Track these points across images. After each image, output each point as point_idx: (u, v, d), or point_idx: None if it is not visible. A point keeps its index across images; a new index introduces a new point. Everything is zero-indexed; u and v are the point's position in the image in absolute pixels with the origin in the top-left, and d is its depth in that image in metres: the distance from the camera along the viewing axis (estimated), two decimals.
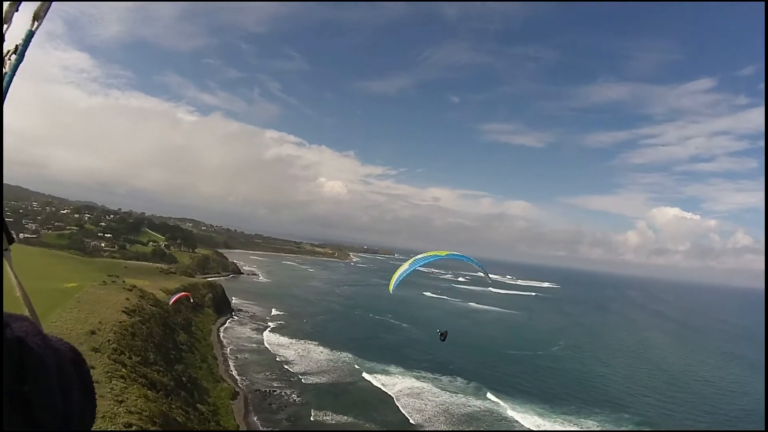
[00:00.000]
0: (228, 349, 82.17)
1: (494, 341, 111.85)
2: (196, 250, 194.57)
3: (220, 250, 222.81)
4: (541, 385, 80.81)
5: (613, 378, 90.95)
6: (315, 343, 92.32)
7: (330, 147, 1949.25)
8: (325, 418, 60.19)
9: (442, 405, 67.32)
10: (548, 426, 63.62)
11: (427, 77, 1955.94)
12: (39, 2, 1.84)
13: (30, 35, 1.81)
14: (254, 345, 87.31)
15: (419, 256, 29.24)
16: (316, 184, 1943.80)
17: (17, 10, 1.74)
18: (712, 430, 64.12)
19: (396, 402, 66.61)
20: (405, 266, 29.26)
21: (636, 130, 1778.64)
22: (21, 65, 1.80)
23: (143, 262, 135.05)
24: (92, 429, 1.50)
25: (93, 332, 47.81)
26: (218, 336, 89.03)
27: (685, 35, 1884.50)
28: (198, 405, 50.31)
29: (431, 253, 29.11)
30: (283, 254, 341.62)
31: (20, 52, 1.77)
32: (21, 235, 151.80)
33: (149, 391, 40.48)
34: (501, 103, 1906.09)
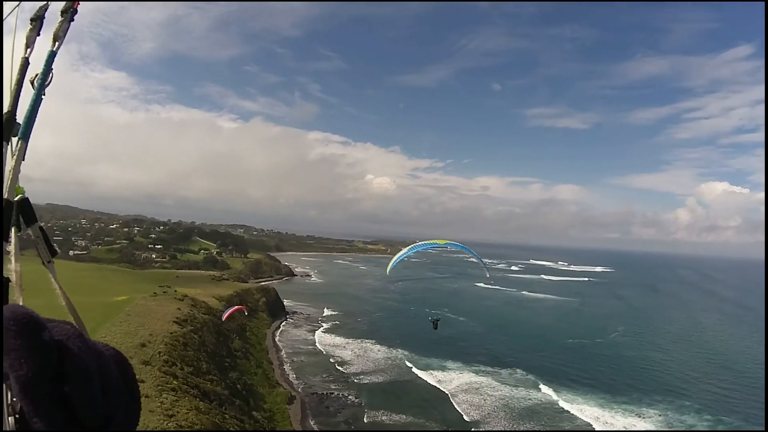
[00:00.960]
0: (283, 353, 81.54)
1: (552, 330, 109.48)
2: (248, 255, 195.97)
3: (272, 254, 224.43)
4: (600, 374, 78.56)
5: (672, 364, 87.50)
6: (371, 341, 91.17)
7: (375, 143, 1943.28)
8: (383, 418, 59.05)
9: (502, 399, 65.89)
10: (608, 417, 61.66)
11: (465, 66, 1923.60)
12: (57, 24, 1.92)
13: (51, 55, 1.88)
14: (310, 347, 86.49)
15: (419, 243, 31.76)
16: (363, 182, 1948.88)
17: (39, 35, 1.89)
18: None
19: (454, 399, 65.28)
20: (404, 250, 32.17)
21: (678, 105, 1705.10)
22: (50, 86, 1.87)
23: (195, 271, 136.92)
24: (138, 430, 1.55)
25: (143, 345, 47.25)
26: (273, 340, 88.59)
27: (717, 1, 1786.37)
28: (253, 412, 49.22)
29: (432, 241, 32.06)
30: (335, 253, 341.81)
31: (43, 71, 1.84)
32: (71, 252, 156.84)
33: (201, 402, 39.43)
34: (542, 86, 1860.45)
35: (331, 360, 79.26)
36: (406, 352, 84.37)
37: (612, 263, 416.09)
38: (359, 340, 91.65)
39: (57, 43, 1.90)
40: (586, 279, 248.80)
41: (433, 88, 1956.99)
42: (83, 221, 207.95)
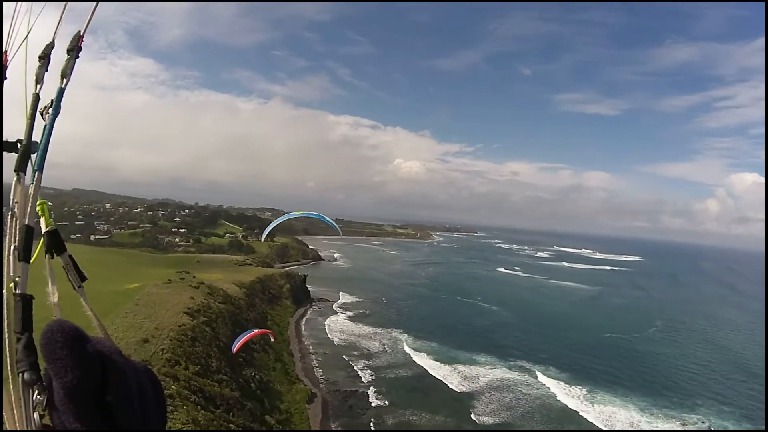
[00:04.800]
0: (306, 344, 77.13)
1: (585, 323, 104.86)
2: (274, 239, 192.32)
3: (299, 237, 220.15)
4: (637, 373, 74.15)
5: (710, 365, 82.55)
6: (400, 331, 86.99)
7: (405, 128, 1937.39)
8: (411, 418, 54.73)
9: (536, 399, 62.02)
10: (645, 423, 57.55)
11: (495, 50, 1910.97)
12: (64, 62, 2.06)
13: (61, 92, 2.00)
14: (335, 337, 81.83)
15: (287, 214, 35.96)
16: (393, 166, 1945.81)
17: (47, 71, 2.06)
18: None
19: (485, 397, 61.42)
20: (278, 219, 36.96)
21: (709, 93, 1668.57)
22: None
23: (217, 255, 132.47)
24: None
25: (146, 340, 42.67)
26: (296, 329, 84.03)
27: None
28: (267, 416, 44.40)
29: (295, 212, 36.36)
30: (364, 237, 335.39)
31: (54, 106, 1.96)
32: (92, 237, 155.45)
33: (203, 412, 34.50)
34: (572, 71, 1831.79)
35: (357, 352, 74.69)
36: (435, 344, 79.52)
37: (640, 252, 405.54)
38: (387, 330, 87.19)
39: (65, 80, 2.02)
40: (611, 268, 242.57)
41: (463, 73, 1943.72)
42: (107, 205, 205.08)
